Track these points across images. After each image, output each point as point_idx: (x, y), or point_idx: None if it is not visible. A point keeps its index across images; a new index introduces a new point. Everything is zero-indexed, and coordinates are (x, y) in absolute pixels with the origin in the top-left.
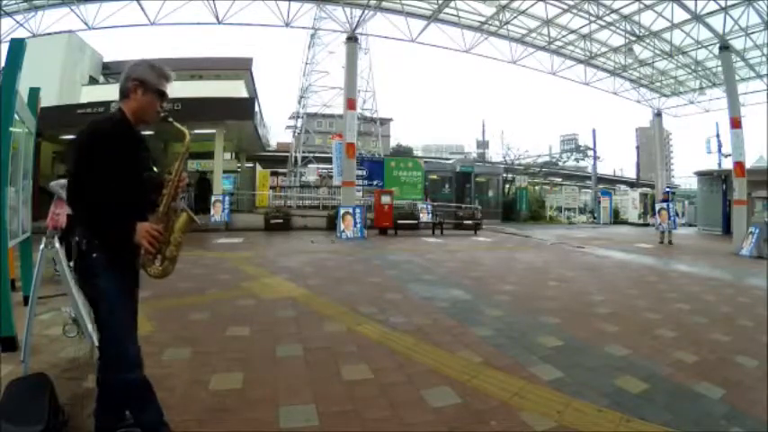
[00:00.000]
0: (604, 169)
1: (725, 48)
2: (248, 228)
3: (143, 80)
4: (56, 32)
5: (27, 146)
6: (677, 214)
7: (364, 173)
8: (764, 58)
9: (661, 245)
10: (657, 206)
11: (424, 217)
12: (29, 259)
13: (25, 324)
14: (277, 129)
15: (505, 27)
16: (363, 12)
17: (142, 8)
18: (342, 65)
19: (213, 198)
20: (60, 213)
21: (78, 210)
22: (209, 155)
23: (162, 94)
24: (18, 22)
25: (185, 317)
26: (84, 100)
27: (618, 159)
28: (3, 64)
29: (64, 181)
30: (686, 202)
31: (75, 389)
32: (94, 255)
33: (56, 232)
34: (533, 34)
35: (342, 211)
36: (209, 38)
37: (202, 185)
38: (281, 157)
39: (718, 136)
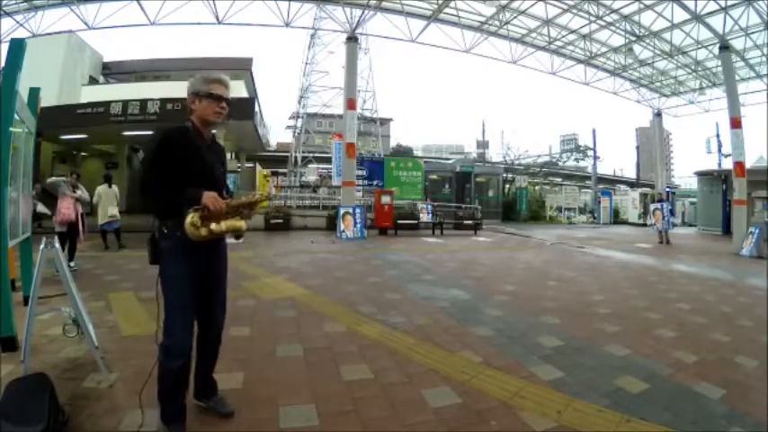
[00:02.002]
0: (604, 169)
1: (725, 48)
2: (248, 227)
3: (195, 91)
4: (56, 32)
5: (27, 146)
6: (672, 214)
7: (364, 173)
8: (764, 58)
9: (660, 245)
10: (652, 207)
11: (424, 217)
12: (29, 259)
13: (25, 324)
14: (277, 129)
15: (505, 27)
16: (363, 12)
17: (142, 8)
18: (342, 65)
19: None
20: (68, 208)
21: (146, 199)
22: None
23: (212, 96)
24: (18, 22)
25: None
26: (83, 100)
27: (618, 159)
28: (3, 64)
29: (59, 179)
30: (686, 202)
31: (75, 389)
32: (162, 244)
33: (63, 228)
34: (533, 34)
35: (342, 211)
36: (209, 38)
37: None
38: (281, 157)
39: (718, 136)
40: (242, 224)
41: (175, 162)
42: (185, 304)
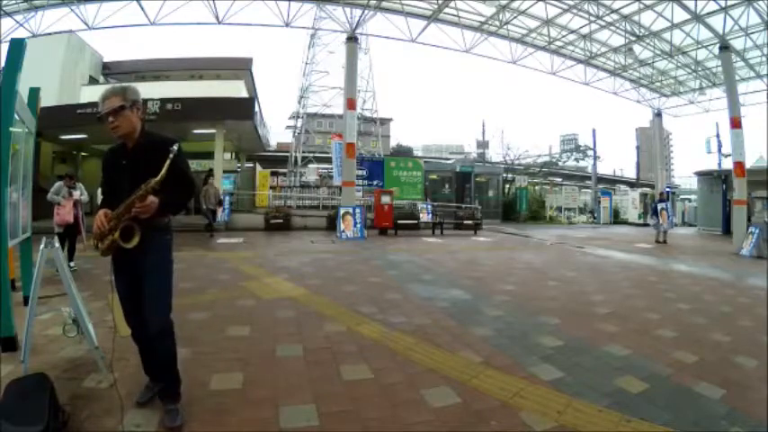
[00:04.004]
0: (604, 169)
1: (725, 48)
2: (248, 228)
3: None
4: (56, 32)
5: (27, 146)
6: (673, 213)
7: (364, 173)
8: (764, 58)
9: (663, 244)
10: (659, 206)
11: (424, 217)
12: (29, 259)
13: (25, 324)
14: (277, 129)
15: (505, 27)
16: (363, 12)
17: (142, 8)
18: (342, 65)
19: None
20: (65, 209)
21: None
22: (209, 155)
23: (100, 119)
24: (18, 22)
25: (185, 317)
26: (83, 100)
27: (618, 159)
28: (3, 64)
29: (56, 186)
30: (686, 202)
31: (75, 389)
32: None
33: (61, 229)
34: (533, 34)
35: (342, 211)
36: (210, 38)
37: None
38: (281, 157)
39: (718, 136)
40: (113, 237)
41: (106, 179)
42: (120, 299)
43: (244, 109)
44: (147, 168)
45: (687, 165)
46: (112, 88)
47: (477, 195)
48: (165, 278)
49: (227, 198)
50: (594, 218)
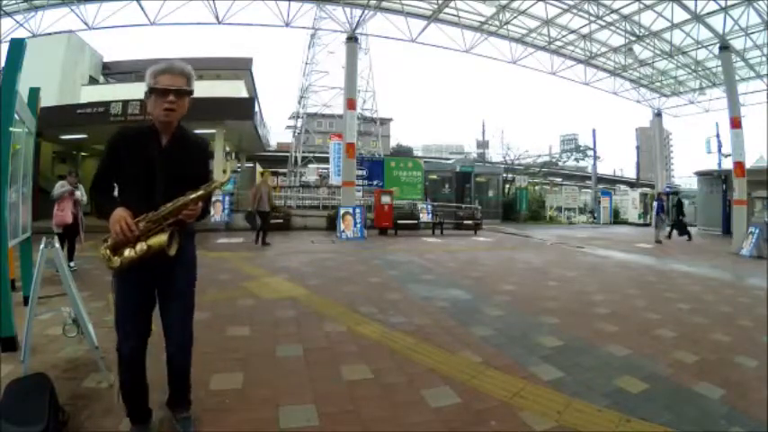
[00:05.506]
0: (604, 169)
1: (725, 48)
2: (248, 228)
3: (146, 88)
4: (56, 32)
5: (27, 146)
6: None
7: (364, 173)
8: (764, 58)
9: (661, 244)
10: (665, 205)
11: (424, 217)
12: (29, 259)
13: (25, 324)
14: (277, 129)
15: (505, 27)
16: (363, 12)
17: (142, 8)
18: (342, 65)
19: (213, 198)
20: (63, 210)
21: (94, 206)
22: None
23: (156, 91)
24: (18, 22)
25: None
26: (83, 100)
27: (618, 159)
28: (3, 64)
29: (59, 185)
30: (686, 202)
31: (75, 389)
32: None
33: (59, 230)
34: (533, 34)
35: (342, 211)
36: (210, 38)
37: None
38: (281, 157)
39: (718, 136)
40: (161, 239)
41: (121, 167)
42: (128, 313)
43: (244, 109)
44: (181, 167)
45: (687, 165)
46: (184, 68)
47: (477, 195)
48: (193, 290)
49: (226, 198)
50: (594, 218)
